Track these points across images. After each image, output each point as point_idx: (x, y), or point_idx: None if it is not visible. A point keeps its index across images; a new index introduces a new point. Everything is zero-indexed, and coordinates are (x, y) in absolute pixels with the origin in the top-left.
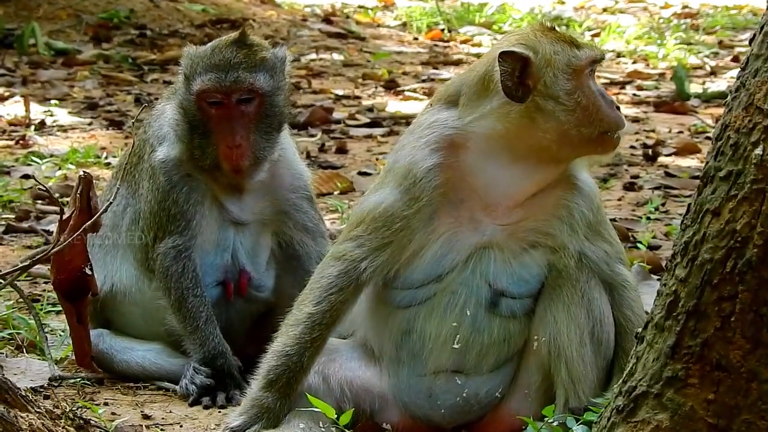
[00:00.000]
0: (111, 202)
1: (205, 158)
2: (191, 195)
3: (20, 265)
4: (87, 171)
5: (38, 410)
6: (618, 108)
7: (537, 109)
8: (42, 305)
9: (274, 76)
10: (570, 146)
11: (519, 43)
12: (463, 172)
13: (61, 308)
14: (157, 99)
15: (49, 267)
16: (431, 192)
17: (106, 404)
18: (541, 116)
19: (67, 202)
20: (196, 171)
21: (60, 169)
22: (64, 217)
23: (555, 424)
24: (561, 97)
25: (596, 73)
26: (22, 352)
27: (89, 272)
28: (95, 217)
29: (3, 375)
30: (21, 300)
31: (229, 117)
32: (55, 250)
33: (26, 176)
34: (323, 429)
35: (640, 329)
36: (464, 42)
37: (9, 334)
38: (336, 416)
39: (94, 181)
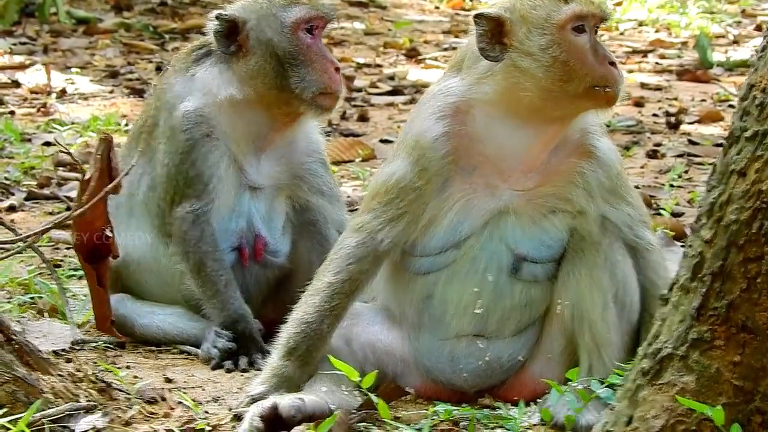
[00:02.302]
0: (133, 165)
1: (308, 86)
2: (209, 156)
3: (40, 228)
4: (107, 132)
5: (60, 373)
6: (613, 63)
7: (515, 67)
8: (64, 270)
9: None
10: (558, 103)
11: (498, 4)
12: (471, 139)
13: (82, 273)
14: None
15: (71, 230)
16: (440, 161)
17: (128, 368)
18: (521, 74)
19: (81, 167)
20: (243, 114)
21: (81, 136)
22: (85, 178)
23: (579, 387)
24: (536, 54)
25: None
26: (44, 316)
27: (110, 234)
28: (117, 179)
29: (25, 338)
30: (42, 265)
31: (321, 44)
32: (76, 212)
33: (47, 143)
34: (346, 392)
35: (665, 292)
36: None
37: (31, 298)
38: (359, 379)
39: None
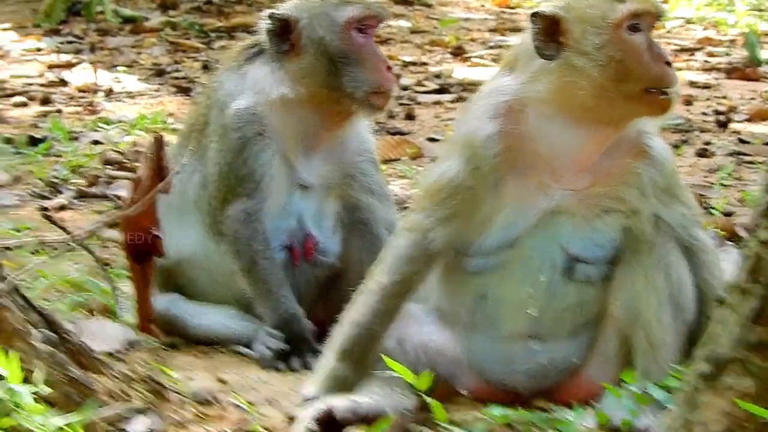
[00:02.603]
0: (184, 164)
1: (360, 85)
2: (261, 155)
3: (92, 227)
4: (159, 132)
5: (113, 374)
6: (668, 63)
7: (570, 66)
8: (114, 269)
9: None
10: (612, 103)
11: (555, 2)
12: (524, 138)
13: None
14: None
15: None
16: (492, 160)
17: (180, 368)
18: (576, 73)
19: (138, 164)
20: (295, 113)
21: (128, 134)
22: (136, 178)
23: (635, 390)
24: (591, 52)
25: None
26: (95, 316)
27: (158, 234)
28: (168, 178)
29: (78, 338)
30: (93, 264)
31: (374, 44)
32: (127, 211)
33: (95, 142)
34: (400, 393)
35: (720, 293)
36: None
37: (82, 298)
38: (414, 380)
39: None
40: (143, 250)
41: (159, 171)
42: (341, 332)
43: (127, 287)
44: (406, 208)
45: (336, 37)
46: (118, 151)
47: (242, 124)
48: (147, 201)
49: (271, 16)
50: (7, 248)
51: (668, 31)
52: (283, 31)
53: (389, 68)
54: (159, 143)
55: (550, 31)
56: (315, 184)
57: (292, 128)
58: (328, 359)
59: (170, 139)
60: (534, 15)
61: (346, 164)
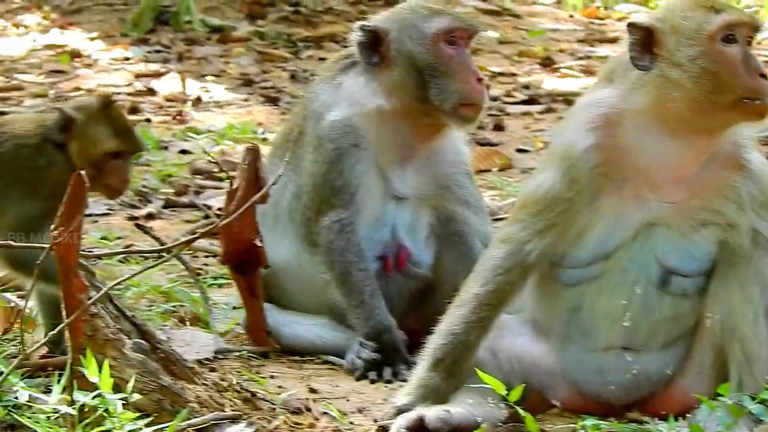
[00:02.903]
0: (280, 175)
1: (448, 97)
2: (356, 166)
3: (187, 238)
4: (254, 143)
5: (205, 382)
6: (764, 75)
7: (664, 77)
8: (205, 278)
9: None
10: (707, 114)
11: (652, 13)
12: (622, 150)
13: (223, 282)
14: (313, 75)
15: (219, 239)
16: (589, 172)
17: (272, 377)
18: (670, 84)
19: (227, 175)
20: (390, 124)
21: (217, 144)
22: (232, 188)
23: (730, 402)
24: (685, 64)
25: (757, 52)
26: (186, 325)
27: (259, 244)
28: (264, 189)
29: (170, 347)
30: (183, 273)
31: (465, 55)
32: (224, 222)
33: (184, 151)
34: (492, 404)
35: None
36: (620, 20)
37: (172, 307)
38: (506, 391)
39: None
40: (245, 261)
41: (255, 181)
42: (434, 342)
43: (218, 296)
44: (497, 219)
45: (424, 50)
46: (210, 161)
47: (337, 136)
48: (244, 211)
49: (362, 28)
50: (98, 257)
51: (758, 43)
52: (374, 43)
53: (479, 80)
54: (255, 153)
55: (645, 42)
56: (409, 195)
57: (386, 139)
58: (420, 369)
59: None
60: (630, 25)
61: (440, 176)
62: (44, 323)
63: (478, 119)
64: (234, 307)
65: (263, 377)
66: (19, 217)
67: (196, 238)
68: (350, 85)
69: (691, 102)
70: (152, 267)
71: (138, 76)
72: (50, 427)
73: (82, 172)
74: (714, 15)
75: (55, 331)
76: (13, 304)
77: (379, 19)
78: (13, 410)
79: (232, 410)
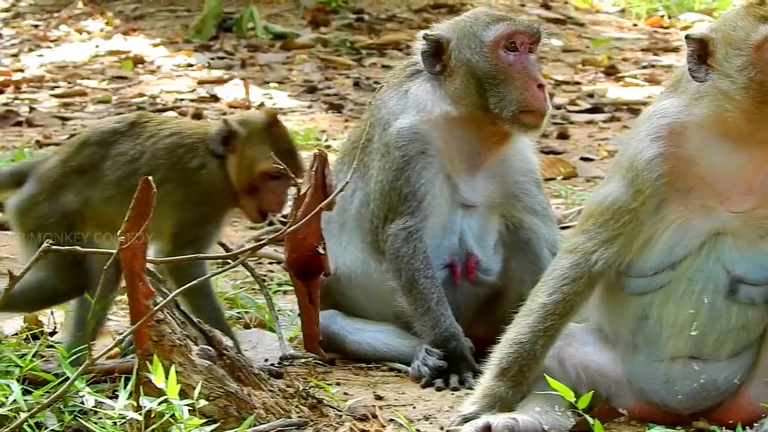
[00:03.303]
0: (347, 182)
1: (507, 105)
2: (423, 173)
3: (253, 245)
4: (321, 149)
5: (271, 389)
6: None
7: (717, 89)
8: (270, 285)
9: (546, 37)
10: (761, 125)
11: (710, 25)
12: (686, 161)
13: (288, 288)
14: (377, 83)
15: (283, 246)
16: (654, 183)
17: (338, 384)
18: (723, 96)
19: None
20: (458, 132)
21: None
22: (299, 195)
23: None
24: (733, 75)
25: None
26: (251, 330)
27: (323, 251)
28: (332, 196)
29: (236, 353)
30: (248, 279)
31: (528, 61)
32: (291, 228)
33: None
34: (559, 412)
35: None
36: (684, 29)
37: (237, 313)
38: (574, 399)
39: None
40: (308, 268)
41: (322, 188)
42: (501, 351)
43: (283, 303)
44: (562, 227)
45: (483, 58)
46: (282, 168)
47: (405, 143)
48: (311, 218)
49: (424, 37)
50: (165, 263)
51: None
52: (436, 52)
53: (541, 86)
54: (322, 160)
55: (700, 54)
56: (478, 202)
57: (454, 147)
58: (486, 378)
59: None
60: (687, 37)
61: (509, 183)
62: None
63: (541, 126)
64: (299, 314)
65: (329, 384)
66: (176, 225)
67: (264, 245)
68: (417, 93)
69: (743, 113)
70: (218, 273)
71: (201, 82)
72: None
73: (149, 177)
74: (761, 25)
75: (122, 337)
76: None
77: (441, 27)
78: (79, 416)
79: (299, 417)
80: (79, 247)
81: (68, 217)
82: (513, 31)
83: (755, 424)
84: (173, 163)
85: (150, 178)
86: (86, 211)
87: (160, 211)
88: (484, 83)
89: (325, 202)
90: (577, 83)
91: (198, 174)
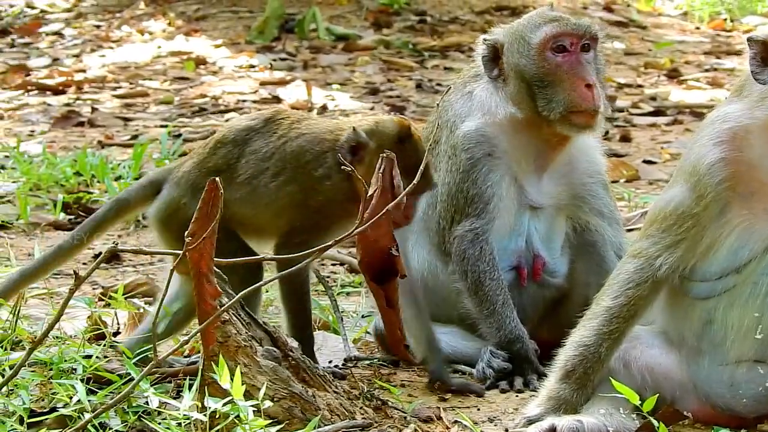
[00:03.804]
0: (414, 183)
1: (555, 107)
2: (490, 175)
3: (320, 246)
4: (390, 150)
5: (336, 390)
6: None
7: None
8: (333, 286)
9: (602, 35)
10: None
11: None
12: (749, 165)
13: (351, 290)
14: (439, 85)
15: (352, 248)
16: (716, 187)
17: (402, 386)
18: None
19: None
20: (523, 133)
21: None
22: (367, 196)
23: None
24: None
25: None
26: (316, 332)
27: (396, 253)
28: (399, 197)
29: (301, 354)
30: (312, 281)
31: (578, 61)
32: (357, 230)
33: None
34: (623, 415)
35: None
36: (747, 32)
37: None
38: (639, 402)
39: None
40: (382, 271)
41: (390, 189)
42: (565, 354)
43: (346, 304)
44: (627, 230)
45: (529, 61)
46: (350, 169)
47: (471, 145)
48: (380, 220)
49: (483, 41)
50: (231, 264)
51: None
52: (494, 56)
53: (589, 86)
54: (390, 162)
55: (764, 56)
56: (545, 204)
57: (519, 149)
58: (551, 380)
59: None
60: (749, 40)
61: (576, 185)
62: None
63: (594, 125)
64: (363, 316)
65: (394, 386)
66: (289, 224)
67: (330, 247)
68: (481, 95)
69: None
70: (283, 274)
71: (263, 83)
72: None
73: (217, 178)
74: None
75: (189, 338)
76: (142, 310)
77: (498, 31)
78: (144, 416)
79: (363, 418)
80: (144, 249)
81: None
82: (559, 33)
83: None
84: (299, 167)
85: (218, 179)
86: (226, 211)
87: (280, 207)
88: (532, 86)
89: (393, 203)
90: (640, 86)
91: (321, 184)
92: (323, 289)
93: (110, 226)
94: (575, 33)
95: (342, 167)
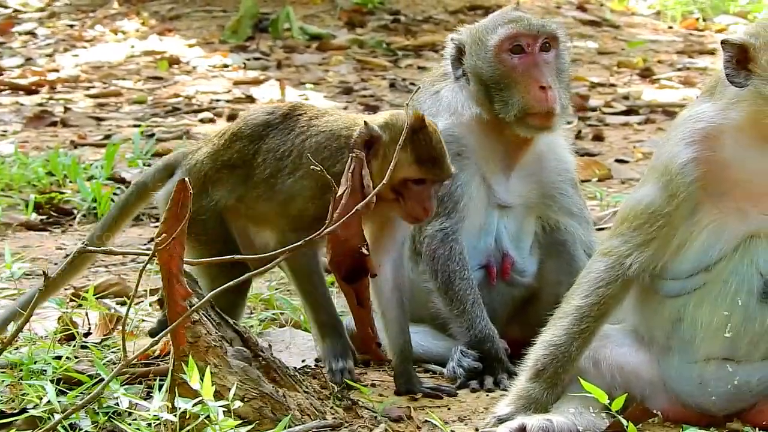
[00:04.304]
0: (384, 183)
1: (510, 109)
2: (459, 175)
3: (289, 246)
4: (358, 150)
5: (306, 390)
6: None
7: (758, 94)
8: None
9: (562, 34)
10: None
11: (747, 29)
12: (721, 165)
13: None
14: (413, 84)
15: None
16: (689, 186)
17: (373, 385)
18: (763, 101)
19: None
20: (490, 133)
21: None
22: (336, 196)
23: None
24: None
25: None
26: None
27: (366, 252)
28: (369, 197)
29: (272, 354)
30: (283, 281)
31: (534, 63)
32: (327, 230)
33: None
34: (593, 414)
35: None
36: (719, 31)
37: (273, 314)
38: (608, 401)
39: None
40: (353, 270)
41: (360, 189)
42: (536, 353)
43: None
44: (598, 229)
45: (486, 63)
46: (319, 168)
47: None
48: (350, 220)
49: (451, 41)
50: (200, 265)
51: None
52: (458, 56)
53: (543, 87)
54: (359, 161)
55: (739, 59)
56: (514, 203)
57: (487, 148)
58: (521, 379)
59: None
60: (723, 42)
61: (545, 184)
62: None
63: (551, 127)
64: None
65: (364, 385)
66: (300, 210)
67: (299, 246)
68: (448, 95)
69: None
70: (255, 275)
71: (237, 83)
72: None
73: (186, 179)
74: None
75: (156, 339)
76: (113, 311)
77: (464, 31)
78: (114, 417)
79: (334, 418)
80: (114, 249)
81: (222, 213)
82: (515, 34)
83: None
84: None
85: (186, 179)
86: (241, 207)
87: (291, 199)
88: (489, 88)
89: (362, 203)
90: (613, 85)
91: (337, 178)
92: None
93: (135, 210)
94: (531, 34)
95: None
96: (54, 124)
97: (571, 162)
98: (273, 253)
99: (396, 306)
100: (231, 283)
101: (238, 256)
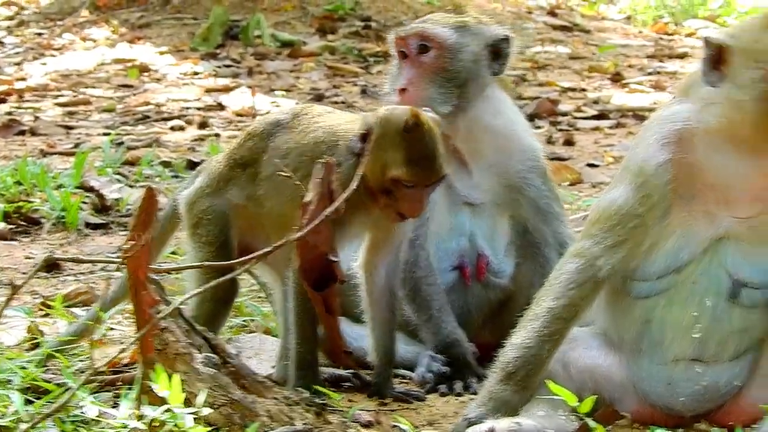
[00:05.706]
0: (352, 188)
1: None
2: None
3: (258, 252)
4: (328, 157)
5: (275, 396)
6: None
7: (729, 97)
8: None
9: (466, 39)
10: None
11: (728, 30)
12: (694, 167)
13: None
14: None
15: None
16: (662, 188)
17: (341, 390)
18: (733, 105)
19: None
20: None
21: None
22: (304, 201)
23: None
24: (747, 86)
25: None
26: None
27: (335, 259)
28: (336, 202)
29: (240, 361)
30: (253, 287)
31: (404, 65)
32: (296, 236)
33: None
34: (563, 416)
35: None
36: (689, 35)
37: (243, 321)
38: (577, 403)
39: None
40: (321, 277)
41: (328, 195)
42: (506, 356)
43: None
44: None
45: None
46: (287, 175)
47: None
48: (318, 226)
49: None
50: (168, 272)
51: None
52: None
53: (402, 90)
54: (328, 167)
55: (715, 59)
56: (481, 200)
57: None
58: (491, 382)
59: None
60: (705, 39)
61: (509, 174)
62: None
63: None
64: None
65: (334, 391)
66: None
67: (269, 253)
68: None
69: (753, 125)
70: (223, 280)
71: (207, 90)
72: None
73: (154, 186)
74: None
75: (125, 346)
76: (81, 320)
77: None
78: (82, 425)
79: (303, 424)
80: (82, 257)
81: (229, 214)
82: (397, 38)
83: (754, 426)
84: (314, 159)
85: (154, 187)
86: (250, 206)
87: (294, 202)
88: None
89: (330, 208)
90: (583, 90)
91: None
92: (265, 296)
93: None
94: (402, 37)
95: (355, 154)
96: (22, 132)
97: (537, 148)
98: (241, 260)
99: (386, 308)
100: (203, 287)
101: (206, 263)
